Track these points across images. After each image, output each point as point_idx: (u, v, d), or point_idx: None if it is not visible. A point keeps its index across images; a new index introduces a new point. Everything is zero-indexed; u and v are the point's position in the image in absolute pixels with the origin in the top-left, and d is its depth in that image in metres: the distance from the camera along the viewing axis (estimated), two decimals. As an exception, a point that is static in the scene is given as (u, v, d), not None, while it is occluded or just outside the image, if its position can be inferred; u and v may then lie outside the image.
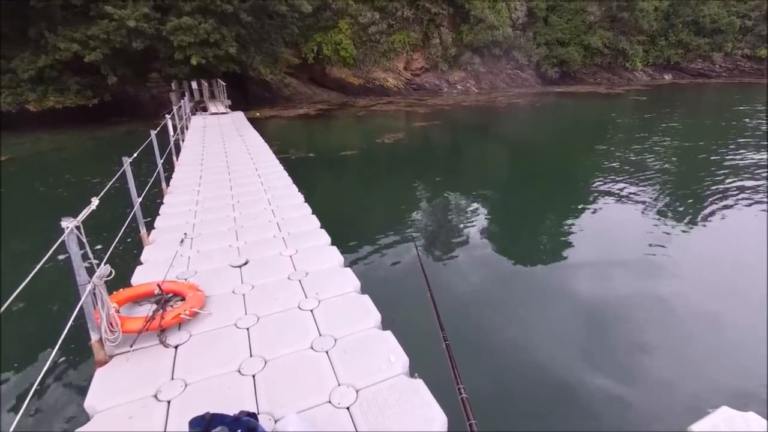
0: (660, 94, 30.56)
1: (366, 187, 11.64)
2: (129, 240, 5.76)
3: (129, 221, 4.57)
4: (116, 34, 19.14)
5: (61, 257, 5.93)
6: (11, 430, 1.94)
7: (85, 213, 2.87)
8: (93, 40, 19.12)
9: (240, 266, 4.22)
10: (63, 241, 2.61)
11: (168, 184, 7.24)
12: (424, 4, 29.67)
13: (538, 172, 12.54)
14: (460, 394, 1.71)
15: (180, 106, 13.39)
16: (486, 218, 8.79)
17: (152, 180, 6.30)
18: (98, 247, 5.93)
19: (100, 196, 3.19)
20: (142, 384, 2.67)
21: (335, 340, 3.02)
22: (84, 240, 2.68)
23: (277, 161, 8.79)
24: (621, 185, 10.33)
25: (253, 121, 15.67)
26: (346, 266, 4.19)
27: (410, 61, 31.81)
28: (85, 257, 2.70)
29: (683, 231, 7.77)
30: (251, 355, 2.91)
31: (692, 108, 24.57)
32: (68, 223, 2.60)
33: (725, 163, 12.07)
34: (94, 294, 2.75)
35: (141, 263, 4.35)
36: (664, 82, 37.10)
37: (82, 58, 19.12)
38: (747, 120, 19.19)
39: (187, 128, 13.67)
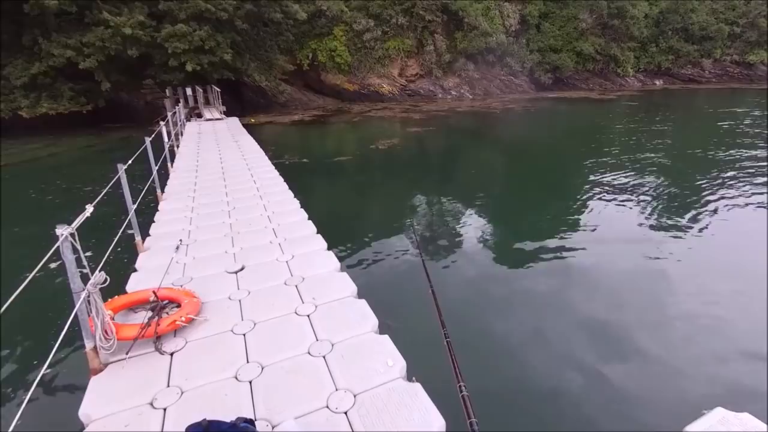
0: (651, 99, 30.95)
1: (361, 192, 11.65)
2: (123, 247, 5.71)
3: (124, 228, 4.55)
4: (111, 41, 19.11)
5: (53, 265, 5.89)
6: (4, 439, 1.92)
7: (79, 220, 2.85)
8: (87, 47, 19.07)
9: (236, 272, 4.21)
10: (57, 249, 2.59)
11: (163, 191, 7.21)
12: (419, 11, 29.93)
13: (534, 176, 12.64)
14: (461, 391, 1.71)
15: (175, 113, 13.36)
16: (483, 220, 8.84)
17: (147, 187, 6.27)
18: (89, 254, 5.89)
19: (94, 203, 3.18)
20: (138, 391, 2.65)
21: (332, 345, 3.01)
22: (78, 247, 2.66)
23: (273, 167, 8.78)
24: (616, 187, 10.42)
25: (248, 128, 15.66)
26: (342, 271, 4.19)
27: (405, 68, 32.01)
28: (79, 264, 2.69)
29: (680, 232, 7.84)
30: (248, 361, 2.89)
31: (682, 112, 24.91)
32: (63, 230, 2.58)
33: (717, 164, 12.22)
34: (89, 301, 2.73)
35: (136, 270, 4.32)
36: (655, 88, 37.60)
37: (76, 64, 19.05)
38: (734, 123, 19.48)
39: (181, 134, 13.64)
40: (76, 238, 2.66)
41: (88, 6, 19.23)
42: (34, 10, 17.67)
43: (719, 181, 10.84)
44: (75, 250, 2.66)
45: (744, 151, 14.04)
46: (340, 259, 4.44)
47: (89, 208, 3.08)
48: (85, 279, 2.71)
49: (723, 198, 9.57)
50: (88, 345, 2.80)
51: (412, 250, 7.18)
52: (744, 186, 10.37)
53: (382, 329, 3.27)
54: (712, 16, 37.24)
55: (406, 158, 15.13)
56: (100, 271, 2.82)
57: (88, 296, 2.70)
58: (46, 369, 2.35)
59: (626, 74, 37.63)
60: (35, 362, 4.40)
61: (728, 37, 37.76)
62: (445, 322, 2.34)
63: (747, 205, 9.16)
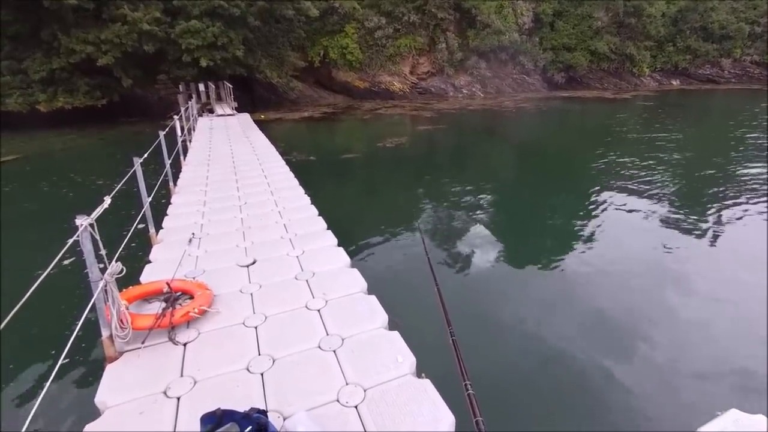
0: (667, 99, 30.41)
1: (368, 189, 11.67)
2: (137, 239, 5.81)
3: (138, 220, 4.62)
4: (128, 37, 19.41)
5: (65, 261, 6.00)
6: (26, 424, 1.97)
7: (98, 211, 2.91)
8: (105, 43, 19.37)
9: (247, 266, 4.25)
10: (71, 240, 2.64)
11: (176, 185, 7.31)
12: (431, 9, 29.79)
13: (545, 176, 12.52)
14: (467, 390, 1.72)
15: (187, 108, 13.51)
16: (493, 219, 8.80)
17: (160, 180, 6.36)
18: (104, 250, 6.00)
19: (112, 195, 3.24)
20: (152, 380, 2.70)
21: (342, 340, 3.04)
22: (97, 237, 2.72)
23: (284, 163, 8.84)
24: (628, 189, 10.28)
25: (258, 124, 15.77)
26: (352, 267, 4.21)
27: (416, 65, 31.91)
28: (96, 255, 2.74)
29: (692, 236, 7.72)
30: (259, 354, 2.93)
31: (700, 114, 24.43)
32: (82, 221, 2.64)
33: (732, 168, 11.98)
34: (105, 291, 2.78)
35: (150, 262, 4.39)
36: (671, 88, 36.92)
37: (92, 60, 19.37)
38: (753, 125, 19.05)
39: (194, 129, 13.77)
40: (95, 228, 2.72)
41: (105, 2, 19.52)
42: (53, 4, 17.95)
43: (735, 183, 10.63)
44: (93, 241, 2.71)
45: (759, 152, 13.73)
46: (350, 254, 4.45)
47: (107, 200, 3.14)
48: (101, 269, 2.77)
49: (741, 201, 9.38)
50: (105, 333, 2.86)
51: (418, 247, 7.18)
52: (762, 189, 10.15)
53: (391, 327, 3.28)
54: (732, 15, 36.37)
55: (413, 156, 15.09)
56: (116, 261, 2.88)
57: (105, 285, 2.76)
58: (65, 356, 2.41)
59: (642, 74, 36.98)
60: (53, 350, 4.50)
61: (748, 36, 36.86)
62: (451, 320, 2.34)
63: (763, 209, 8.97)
